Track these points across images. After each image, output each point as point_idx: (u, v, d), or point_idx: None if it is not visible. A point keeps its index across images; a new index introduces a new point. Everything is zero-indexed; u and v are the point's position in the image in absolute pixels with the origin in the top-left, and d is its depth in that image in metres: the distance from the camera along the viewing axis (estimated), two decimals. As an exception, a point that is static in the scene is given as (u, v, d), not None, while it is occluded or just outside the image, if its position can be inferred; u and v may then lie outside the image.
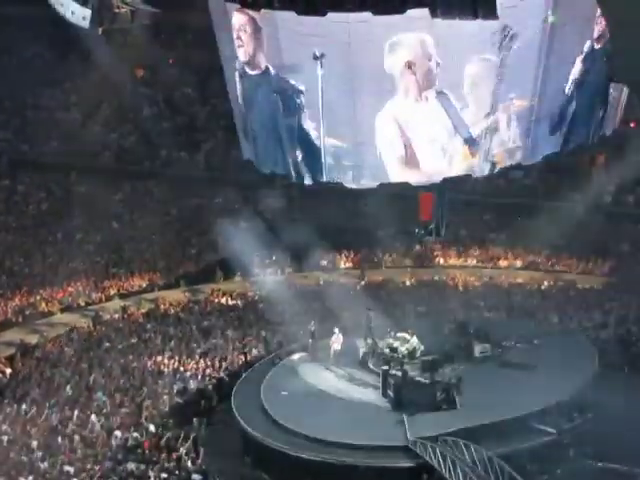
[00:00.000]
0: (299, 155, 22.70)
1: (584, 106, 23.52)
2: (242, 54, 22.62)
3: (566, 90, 22.73)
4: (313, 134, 22.15)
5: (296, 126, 22.34)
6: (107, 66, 45.61)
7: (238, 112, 24.75)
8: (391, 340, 31.28)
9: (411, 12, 19.11)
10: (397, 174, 22.20)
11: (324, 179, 22.68)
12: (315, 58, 20.70)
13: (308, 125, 22.15)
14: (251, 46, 22.21)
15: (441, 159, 22.03)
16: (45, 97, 56.64)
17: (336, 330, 32.30)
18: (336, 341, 32.04)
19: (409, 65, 20.83)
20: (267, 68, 22.23)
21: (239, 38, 22.32)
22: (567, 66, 22.41)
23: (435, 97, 21.29)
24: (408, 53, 20.64)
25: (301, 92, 21.85)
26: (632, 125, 44.80)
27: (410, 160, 21.93)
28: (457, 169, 22.33)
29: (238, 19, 22.01)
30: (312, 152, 22.44)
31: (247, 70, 22.81)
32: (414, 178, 22.46)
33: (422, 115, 21.52)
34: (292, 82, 21.83)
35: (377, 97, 21.33)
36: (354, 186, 22.82)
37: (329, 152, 22.07)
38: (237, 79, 23.50)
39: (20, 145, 55.05)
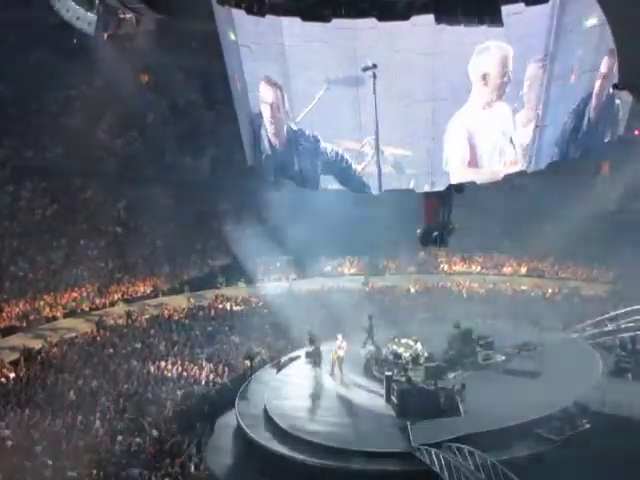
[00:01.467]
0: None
1: (590, 114, 23.53)
2: (272, 130, 22.76)
3: (572, 98, 22.73)
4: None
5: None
6: (112, 72, 45.71)
7: (245, 123, 24.71)
8: (395, 346, 31.31)
9: (416, 19, 19.08)
10: (460, 175, 22.24)
11: (378, 189, 22.59)
12: (366, 69, 20.54)
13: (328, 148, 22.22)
14: (279, 122, 22.35)
15: (498, 162, 22.16)
16: (49, 103, 56.62)
17: (339, 336, 32.30)
18: (340, 347, 32.03)
19: (484, 77, 20.91)
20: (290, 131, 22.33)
21: (272, 117, 22.45)
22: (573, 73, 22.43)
23: (501, 103, 21.49)
24: (487, 65, 20.74)
25: (318, 140, 21.93)
26: (637, 132, 44.79)
27: (473, 161, 22.02)
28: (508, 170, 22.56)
29: (266, 92, 22.11)
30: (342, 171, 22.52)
31: (272, 141, 22.95)
32: (476, 177, 22.55)
33: (487, 120, 21.61)
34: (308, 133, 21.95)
35: (452, 102, 21.30)
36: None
37: (388, 162, 21.96)
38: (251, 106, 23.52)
39: (24, 151, 55.00)
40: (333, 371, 31.96)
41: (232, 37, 22.77)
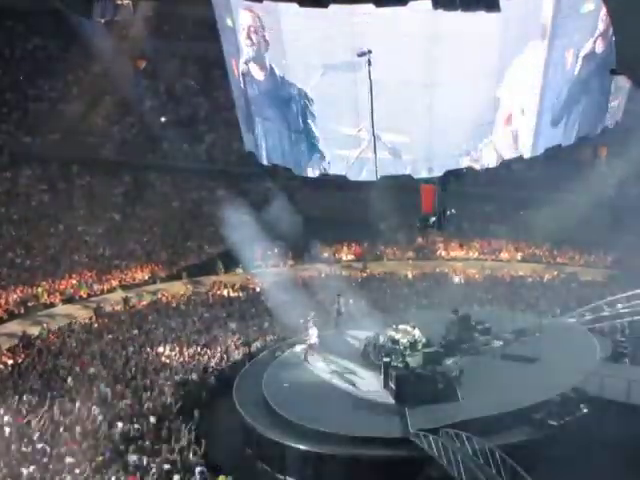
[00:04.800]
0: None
1: (587, 99, 23.49)
2: (250, 51, 22.48)
3: (569, 83, 22.69)
4: (323, 135, 22.09)
5: (303, 128, 22.25)
6: (109, 58, 45.64)
7: (241, 107, 24.64)
8: (393, 332, 31.29)
9: (414, 4, 19.01)
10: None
11: (375, 175, 22.50)
12: (361, 55, 20.41)
13: (316, 126, 22.09)
14: (260, 46, 22.06)
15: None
16: (47, 89, 56.56)
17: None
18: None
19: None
20: (272, 71, 22.10)
21: (249, 38, 22.17)
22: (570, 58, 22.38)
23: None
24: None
25: (310, 99, 21.73)
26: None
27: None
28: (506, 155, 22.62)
29: (245, 18, 21.88)
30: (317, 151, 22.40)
31: (253, 75, 22.69)
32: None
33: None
34: (300, 87, 21.72)
35: (451, 88, 21.25)
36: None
37: (385, 147, 21.87)
38: (241, 79, 23.35)
39: (22, 137, 55.02)
40: (330, 357, 31.99)
41: (229, 22, 22.70)
